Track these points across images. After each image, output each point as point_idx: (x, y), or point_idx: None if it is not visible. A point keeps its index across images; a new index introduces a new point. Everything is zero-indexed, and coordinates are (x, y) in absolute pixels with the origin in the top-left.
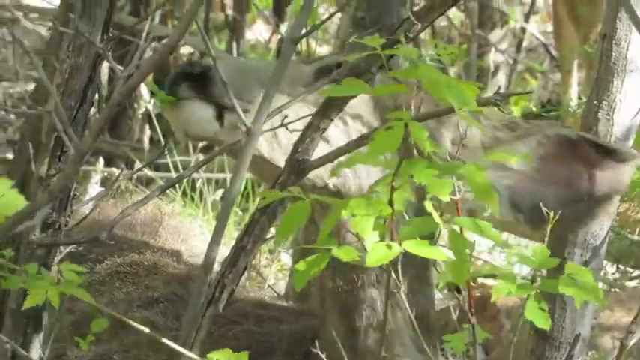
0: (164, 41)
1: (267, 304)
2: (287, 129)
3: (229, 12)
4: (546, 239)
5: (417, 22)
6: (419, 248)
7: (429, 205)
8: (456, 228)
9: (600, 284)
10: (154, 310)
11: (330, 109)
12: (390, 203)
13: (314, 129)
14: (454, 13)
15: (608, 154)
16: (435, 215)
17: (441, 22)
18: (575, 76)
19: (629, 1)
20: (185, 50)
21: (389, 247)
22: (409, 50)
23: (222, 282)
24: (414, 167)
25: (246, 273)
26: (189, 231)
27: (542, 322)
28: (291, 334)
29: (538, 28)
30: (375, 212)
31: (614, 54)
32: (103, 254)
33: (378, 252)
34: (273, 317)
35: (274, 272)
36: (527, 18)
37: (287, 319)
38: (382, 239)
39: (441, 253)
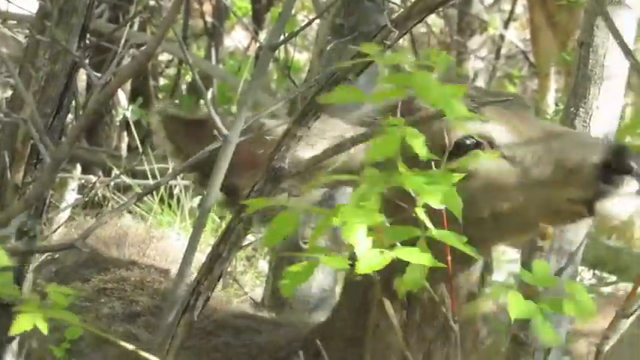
0: (142, 48)
1: (245, 314)
2: (266, 138)
3: (208, 19)
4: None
5: (394, 29)
6: (410, 255)
7: (420, 212)
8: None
9: None
10: (136, 323)
11: (307, 116)
12: (381, 211)
13: (291, 136)
14: (433, 20)
15: None
16: (428, 222)
17: (421, 28)
18: (553, 83)
19: (606, 9)
20: (163, 57)
21: (381, 253)
22: (403, 58)
23: (198, 289)
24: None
25: (222, 281)
26: (179, 253)
27: (552, 340)
28: (272, 346)
29: (517, 35)
30: (366, 220)
31: (591, 61)
32: (91, 274)
33: (369, 259)
34: (252, 328)
35: (251, 279)
36: (506, 25)
37: (266, 330)
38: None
39: (430, 260)
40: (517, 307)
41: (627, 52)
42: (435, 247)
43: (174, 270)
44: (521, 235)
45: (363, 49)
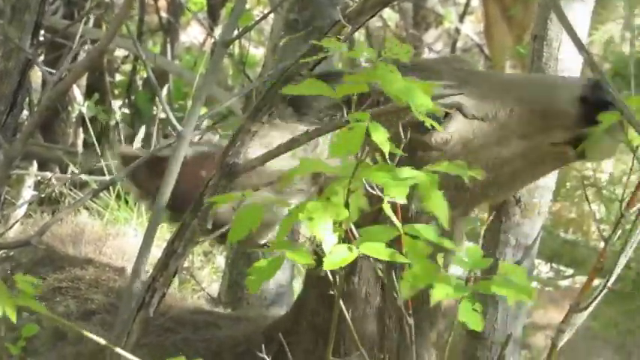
0: (96, 44)
1: (202, 310)
2: (218, 132)
3: (163, 14)
4: (481, 240)
5: (347, 24)
6: (377, 252)
7: (386, 208)
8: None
9: (534, 283)
10: (91, 321)
11: (260, 111)
12: (347, 206)
13: (245, 132)
14: (389, 14)
15: None
16: (394, 219)
17: (376, 23)
18: None
19: (559, 2)
20: (119, 53)
21: (350, 249)
22: (367, 50)
23: (153, 286)
24: (370, 170)
25: (179, 276)
26: (135, 250)
27: (475, 324)
28: (232, 340)
29: (473, 29)
30: (332, 215)
31: (545, 54)
32: (47, 272)
33: (337, 254)
34: (211, 324)
35: (209, 274)
36: (461, 18)
37: (225, 325)
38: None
39: (400, 257)
40: (442, 290)
41: (580, 47)
42: None
43: (130, 267)
44: (511, 189)
45: (322, 43)
